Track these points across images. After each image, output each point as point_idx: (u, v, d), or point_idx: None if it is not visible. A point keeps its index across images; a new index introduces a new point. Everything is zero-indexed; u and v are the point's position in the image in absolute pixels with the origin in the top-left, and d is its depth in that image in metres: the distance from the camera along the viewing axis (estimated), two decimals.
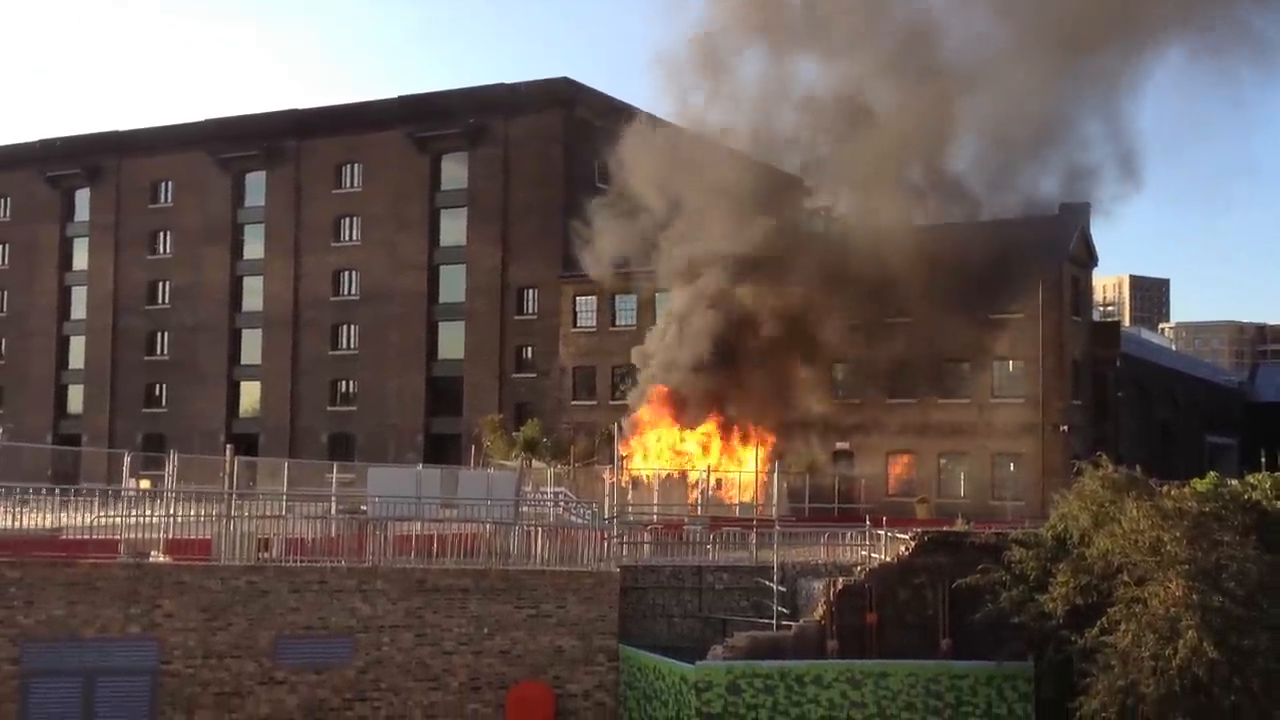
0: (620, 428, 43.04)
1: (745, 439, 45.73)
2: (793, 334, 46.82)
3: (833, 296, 46.80)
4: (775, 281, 46.67)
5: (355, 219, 67.70)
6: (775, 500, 38.97)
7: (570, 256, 57.14)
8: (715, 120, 50.61)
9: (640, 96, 60.97)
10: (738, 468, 44.32)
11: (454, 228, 65.56)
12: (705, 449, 45.94)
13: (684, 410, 46.81)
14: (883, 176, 46.00)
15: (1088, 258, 53.25)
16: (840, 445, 51.17)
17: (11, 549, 21.05)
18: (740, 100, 50.61)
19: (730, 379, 46.80)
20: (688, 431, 46.56)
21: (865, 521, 27.03)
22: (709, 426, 46.71)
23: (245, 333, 70.63)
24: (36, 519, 23.81)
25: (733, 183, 47.47)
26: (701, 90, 50.71)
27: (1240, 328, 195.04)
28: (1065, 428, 48.59)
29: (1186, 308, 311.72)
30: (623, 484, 37.93)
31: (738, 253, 46.52)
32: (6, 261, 78.50)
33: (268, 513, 23.80)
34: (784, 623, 23.18)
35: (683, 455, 45.67)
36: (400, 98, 66.95)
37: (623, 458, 40.96)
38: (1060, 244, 50.00)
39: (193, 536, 22.79)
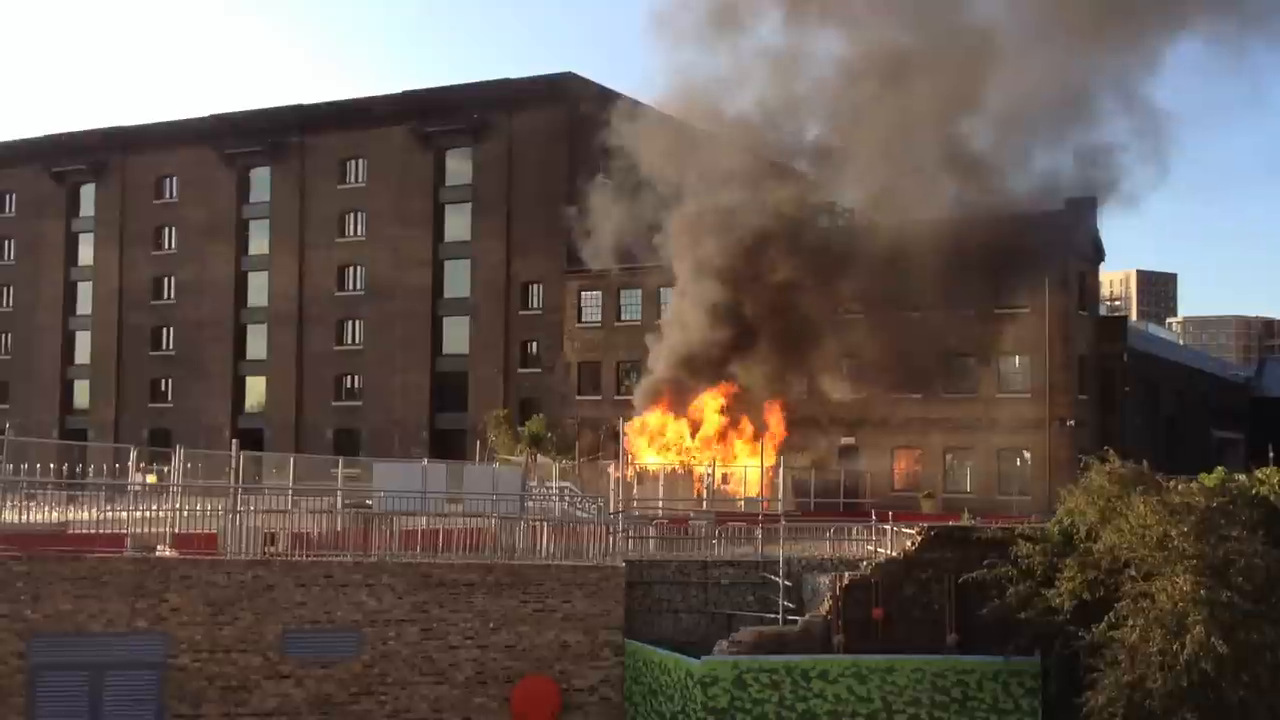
0: (624, 422, 43.07)
1: (755, 435, 45.58)
2: (797, 320, 46.40)
3: (837, 286, 46.51)
4: (781, 260, 46.17)
5: (360, 214, 67.73)
6: (781, 495, 38.92)
7: (575, 252, 57.09)
8: (722, 84, 50.02)
9: (645, 88, 60.42)
10: (743, 451, 44.27)
11: (458, 223, 65.55)
12: (718, 417, 45.92)
13: (696, 378, 46.41)
14: (896, 154, 45.17)
15: (1094, 252, 53.09)
16: (846, 440, 51.11)
17: (19, 543, 21.09)
18: (747, 68, 50.11)
19: (738, 352, 46.40)
20: (702, 399, 46.39)
21: (871, 516, 27.00)
22: (715, 415, 46.53)
23: (250, 328, 70.68)
24: (43, 513, 23.87)
25: (738, 167, 47.16)
26: (707, 51, 50.18)
27: (1248, 322, 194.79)
28: (1071, 422, 48.49)
29: (1194, 302, 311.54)
30: (628, 479, 37.94)
31: (743, 224, 46.13)
32: (12, 257, 78.59)
33: (274, 507, 23.81)
34: (790, 618, 23.17)
35: (689, 451, 45.59)
36: (404, 93, 66.97)
37: (628, 453, 40.98)
38: (1067, 238, 49.84)
39: (199, 531, 22.82)
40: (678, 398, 47.06)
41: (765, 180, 47.24)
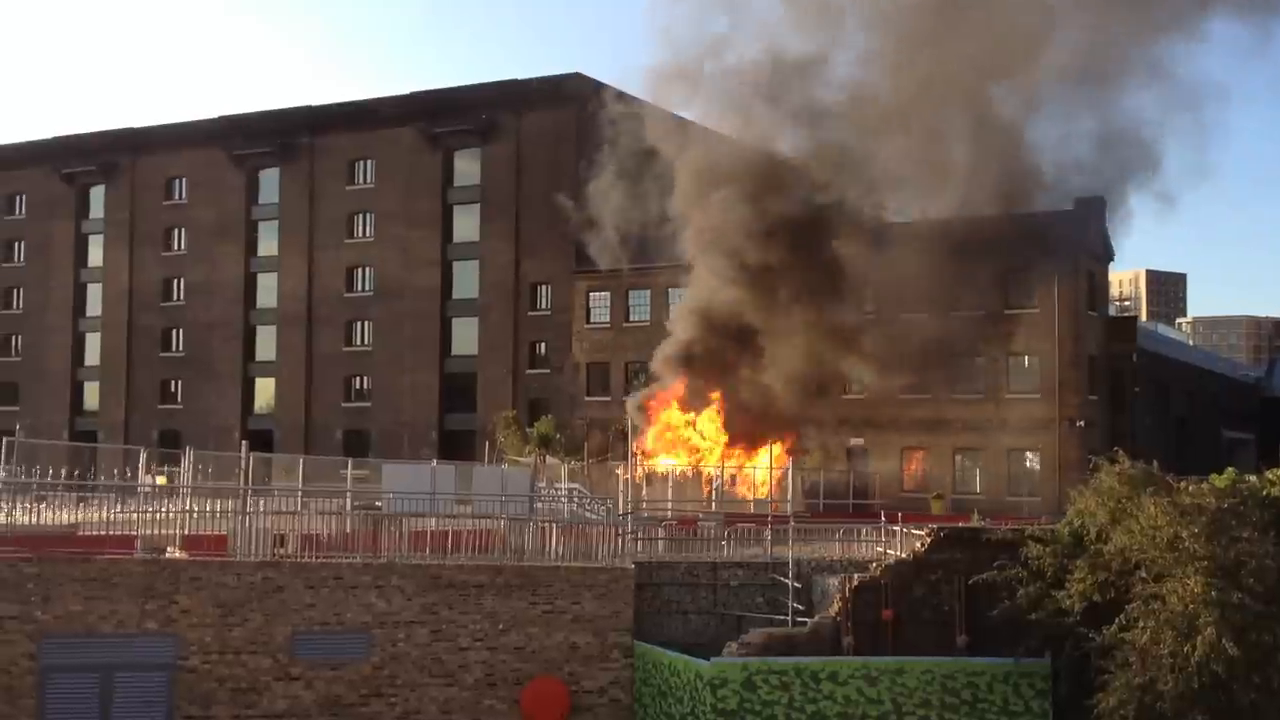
0: (632, 425, 42.94)
1: (761, 440, 45.33)
2: (818, 259, 45.60)
3: (844, 285, 46.16)
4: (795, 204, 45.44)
5: (368, 215, 67.85)
6: (790, 496, 38.87)
7: (583, 249, 57.08)
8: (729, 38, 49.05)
9: (650, 71, 59.57)
10: (752, 460, 44.09)
11: (467, 224, 65.65)
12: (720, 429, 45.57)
13: (720, 339, 45.69)
14: (922, 117, 43.57)
15: (1104, 252, 52.97)
16: (855, 441, 51.02)
17: (29, 545, 21.15)
18: (756, 25, 49.16)
19: (760, 305, 45.51)
20: (704, 409, 46.09)
21: (880, 518, 26.96)
22: (714, 418, 46.25)
23: (260, 329, 70.82)
24: (54, 515, 23.93)
25: (744, 164, 46.72)
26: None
27: (1258, 322, 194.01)
28: (1081, 423, 48.38)
29: (1203, 302, 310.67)
30: (637, 480, 37.92)
31: (751, 227, 45.56)
32: (22, 258, 78.84)
33: (283, 509, 23.85)
34: (799, 619, 23.13)
35: (698, 450, 45.45)
36: (412, 94, 67.04)
37: (635, 453, 40.89)
38: (1077, 238, 49.71)
39: (209, 532, 22.87)
40: (699, 364, 46.19)
41: (771, 183, 46.74)
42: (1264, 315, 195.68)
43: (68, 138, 77.12)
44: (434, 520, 24.18)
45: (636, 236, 53.68)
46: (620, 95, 55.81)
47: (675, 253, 49.87)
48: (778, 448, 44.14)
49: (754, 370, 45.93)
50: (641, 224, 51.39)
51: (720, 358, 46.21)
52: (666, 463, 43.54)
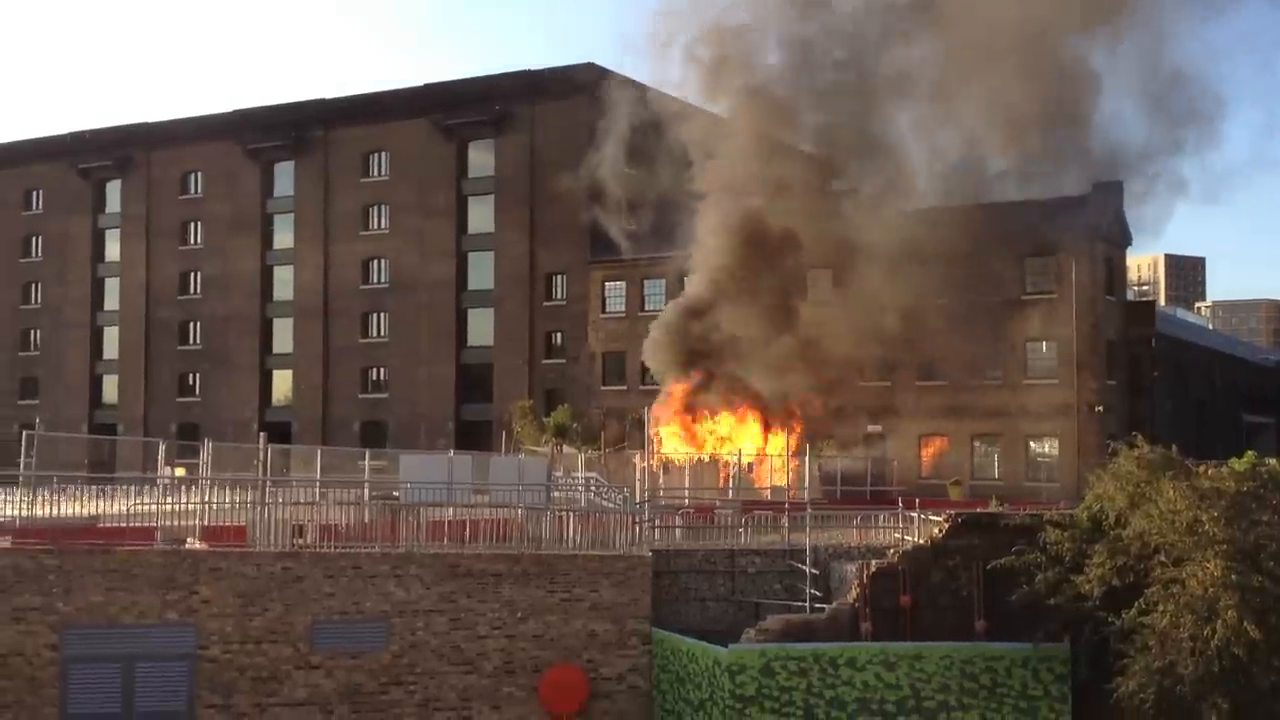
0: (648, 412, 42.91)
1: (785, 421, 45.28)
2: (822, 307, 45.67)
3: (861, 274, 46.04)
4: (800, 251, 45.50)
5: (383, 207, 67.97)
6: (807, 483, 38.82)
7: (599, 240, 56.99)
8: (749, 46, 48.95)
9: (665, 77, 59.19)
10: (762, 439, 44.09)
11: (482, 215, 65.70)
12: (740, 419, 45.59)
13: (755, 254, 45.42)
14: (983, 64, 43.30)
15: (1122, 237, 52.65)
16: (872, 427, 50.90)
17: (50, 537, 21.30)
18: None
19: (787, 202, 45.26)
20: (721, 415, 46.17)
21: (898, 504, 26.90)
22: (729, 420, 46.26)
23: (276, 322, 71.07)
24: (74, 507, 24.10)
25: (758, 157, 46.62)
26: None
27: (1278, 306, 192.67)
28: (1100, 408, 48.14)
29: (1223, 286, 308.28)
30: (654, 468, 37.92)
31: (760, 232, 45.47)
32: (40, 254, 79.29)
33: (302, 499, 23.95)
34: (817, 606, 23.12)
35: (719, 439, 45.50)
36: (426, 85, 67.08)
37: (654, 441, 40.91)
38: (1094, 223, 49.42)
39: (228, 523, 22.99)
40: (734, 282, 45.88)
41: (786, 173, 46.62)
42: None
43: (83, 133, 77.42)
44: (451, 510, 24.26)
45: (651, 224, 53.62)
46: (634, 84, 55.67)
47: (689, 240, 49.83)
48: (793, 432, 44.00)
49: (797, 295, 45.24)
50: (656, 208, 51.24)
51: (759, 275, 45.55)
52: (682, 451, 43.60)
